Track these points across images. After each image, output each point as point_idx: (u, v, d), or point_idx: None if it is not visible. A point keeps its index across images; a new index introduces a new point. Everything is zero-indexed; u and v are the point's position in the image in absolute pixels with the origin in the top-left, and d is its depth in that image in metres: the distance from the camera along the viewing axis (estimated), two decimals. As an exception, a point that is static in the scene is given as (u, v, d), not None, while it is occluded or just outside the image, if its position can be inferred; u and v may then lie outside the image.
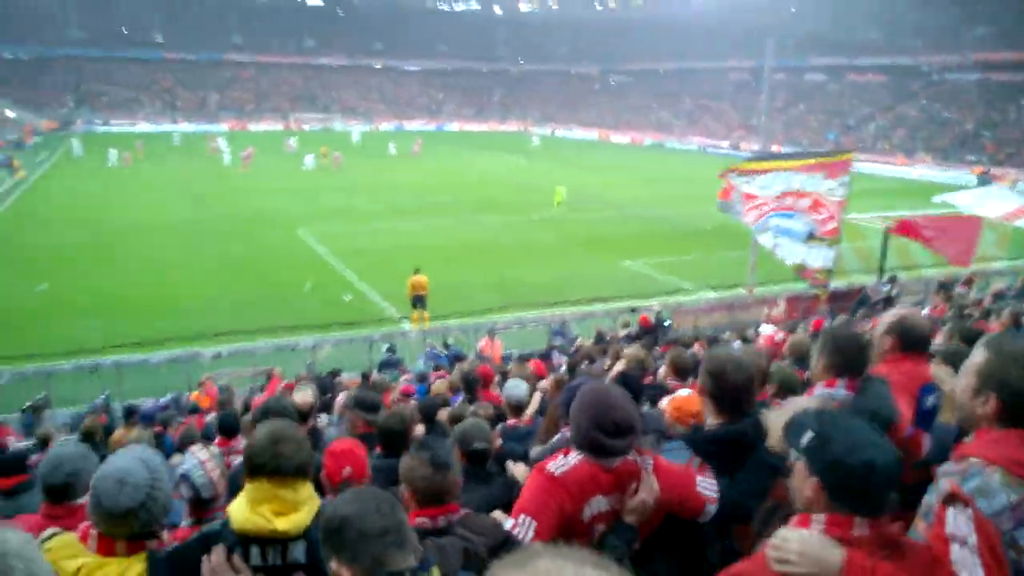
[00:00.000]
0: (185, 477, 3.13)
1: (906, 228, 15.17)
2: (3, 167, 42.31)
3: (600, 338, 13.35)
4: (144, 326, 15.84)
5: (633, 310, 16.61)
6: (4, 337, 15.30)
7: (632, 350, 7.33)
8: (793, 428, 1.99)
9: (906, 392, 3.09)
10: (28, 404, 10.68)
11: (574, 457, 2.42)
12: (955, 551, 1.84)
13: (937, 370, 3.45)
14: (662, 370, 6.79)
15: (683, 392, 5.04)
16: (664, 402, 5.12)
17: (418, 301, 17.20)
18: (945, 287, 13.02)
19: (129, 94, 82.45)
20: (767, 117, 22.32)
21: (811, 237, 12.63)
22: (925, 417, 3.16)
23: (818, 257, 12.55)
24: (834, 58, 73.68)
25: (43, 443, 7.60)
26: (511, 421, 5.49)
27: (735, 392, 2.77)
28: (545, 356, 11.03)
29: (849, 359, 3.01)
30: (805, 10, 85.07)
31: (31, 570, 1.37)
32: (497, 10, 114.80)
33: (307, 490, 2.39)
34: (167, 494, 2.36)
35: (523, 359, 10.55)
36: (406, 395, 8.38)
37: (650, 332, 13.95)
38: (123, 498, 2.21)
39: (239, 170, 43.41)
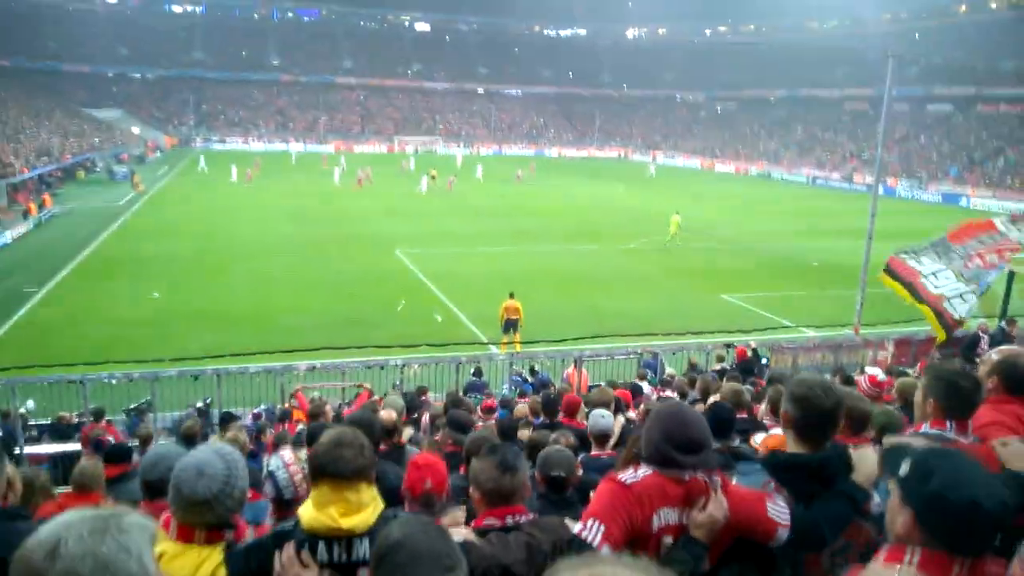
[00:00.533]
0: (271, 475, 3.33)
1: None
2: (125, 180, 45.78)
3: (693, 369, 12.93)
4: (245, 337, 16.66)
5: (728, 345, 16.01)
6: (117, 341, 16.42)
7: (728, 384, 7.07)
8: (891, 455, 1.83)
9: (1009, 431, 2.89)
10: (133, 406, 11.24)
11: (644, 470, 2.47)
12: None
13: None
14: (761, 407, 6.49)
15: (777, 431, 4.77)
16: (757, 439, 4.87)
17: (510, 325, 17.36)
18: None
19: (245, 114, 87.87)
20: (883, 149, 21.20)
21: (988, 289, 11.85)
22: None
23: (971, 307, 11.72)
24: (962, 88, 69.35)
25: (144, 442, 8.01)
26: (594, 452, 5.41)
27: (821, 419, 2.62)
28: (635, 390, 10.74)
29: (962, 399, 2.82)
30: (930, 38, 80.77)
31: (125, 545, 1.40)
32: (603, 36, 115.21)
33: (370, 492, 2.53)
34: (242, 487, 2.52)
35: (611, 386, 10.31)
36: (487, 411, 8.38)
37: (746, 367, 13.39)
38: (200, 487, 2.38)
39: (351, 189, 45.18)
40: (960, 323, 11.63)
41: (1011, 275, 15.19)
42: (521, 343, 17.12)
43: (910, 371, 11.37)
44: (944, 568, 1.69)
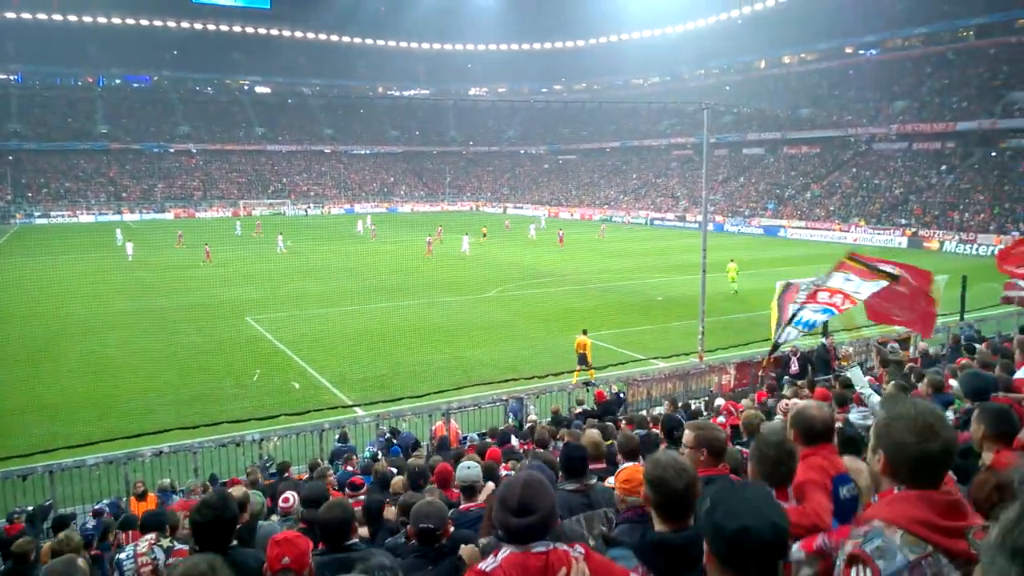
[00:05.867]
0: (118, 564, 3.17)
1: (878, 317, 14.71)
2: None
3: (556, 418, 13.27)
4: (81, 427, 15.12)
5: (587, 384, 16.66)
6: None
7: (588, 434, 7.31)
8: (701, 499, 2.00)
9: (821, 487, 3.07)
10: None
11: (504, 551, 2.44)
12: None
13: (850, 463, 3.42)
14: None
15: (628, 464, 5.05)
16: (611, 480, 5.11)
17: (582, 360, 18.49)
18: (881, 347, 13.39)
19: (71, 185, 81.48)
20: (709, 190, 23.20)
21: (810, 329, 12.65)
22: (843, 508, 3.09)
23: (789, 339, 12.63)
24: (770, 133, 77.85)
25: None
26: (463, 505, 5.31)
27: (678, 499, 2.67)
28: (502, 439, 10.86)
29: (778, 468, 3.00)
30: (739, 90, 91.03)
31: None
32: (446, 96, 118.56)
33: None
34: None
35: (483, 436, 10.36)
36: (355, 488, 7.91)
37: (607, 408, 13.96)
38: None
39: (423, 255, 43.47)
40: (776, 347, 12.57)
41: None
42: (419, 396, 16.47)
43: (748, 396, 12.31)
44: None
